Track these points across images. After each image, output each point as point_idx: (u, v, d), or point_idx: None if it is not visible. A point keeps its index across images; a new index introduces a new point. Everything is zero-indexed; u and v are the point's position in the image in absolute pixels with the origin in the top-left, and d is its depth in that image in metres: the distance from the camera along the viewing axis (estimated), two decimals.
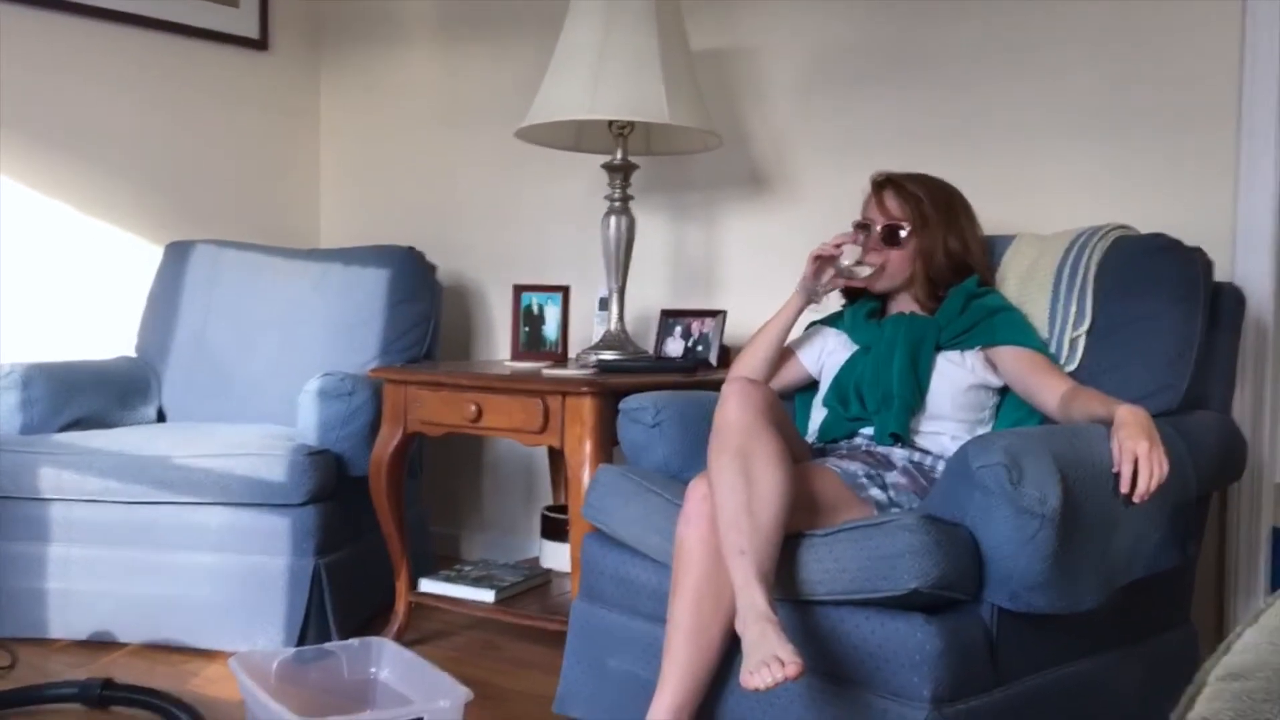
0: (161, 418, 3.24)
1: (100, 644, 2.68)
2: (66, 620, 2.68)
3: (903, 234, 2.20)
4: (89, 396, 3.04)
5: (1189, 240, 2.19)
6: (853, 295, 2.34)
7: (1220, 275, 2.24)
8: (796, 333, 2.34)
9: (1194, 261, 2.14)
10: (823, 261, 2.17)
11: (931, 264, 2.20)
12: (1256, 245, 2.43)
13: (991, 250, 2.35)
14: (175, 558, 2.66)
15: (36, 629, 2.68)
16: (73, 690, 2.27)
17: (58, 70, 3.30)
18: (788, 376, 2.37)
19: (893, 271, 2.22)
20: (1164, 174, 2.54)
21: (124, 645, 2.69)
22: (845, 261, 2.17)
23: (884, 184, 2.25)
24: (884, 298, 2.30)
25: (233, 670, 2.03)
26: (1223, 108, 2.47)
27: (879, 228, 2.22)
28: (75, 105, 3.34)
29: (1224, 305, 2.18)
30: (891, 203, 2.22)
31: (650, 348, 3.02)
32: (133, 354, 3.32)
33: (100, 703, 2.27)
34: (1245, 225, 2.44)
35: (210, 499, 2.64)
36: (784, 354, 2.39)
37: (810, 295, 2.24)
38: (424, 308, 3.25)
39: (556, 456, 3.22)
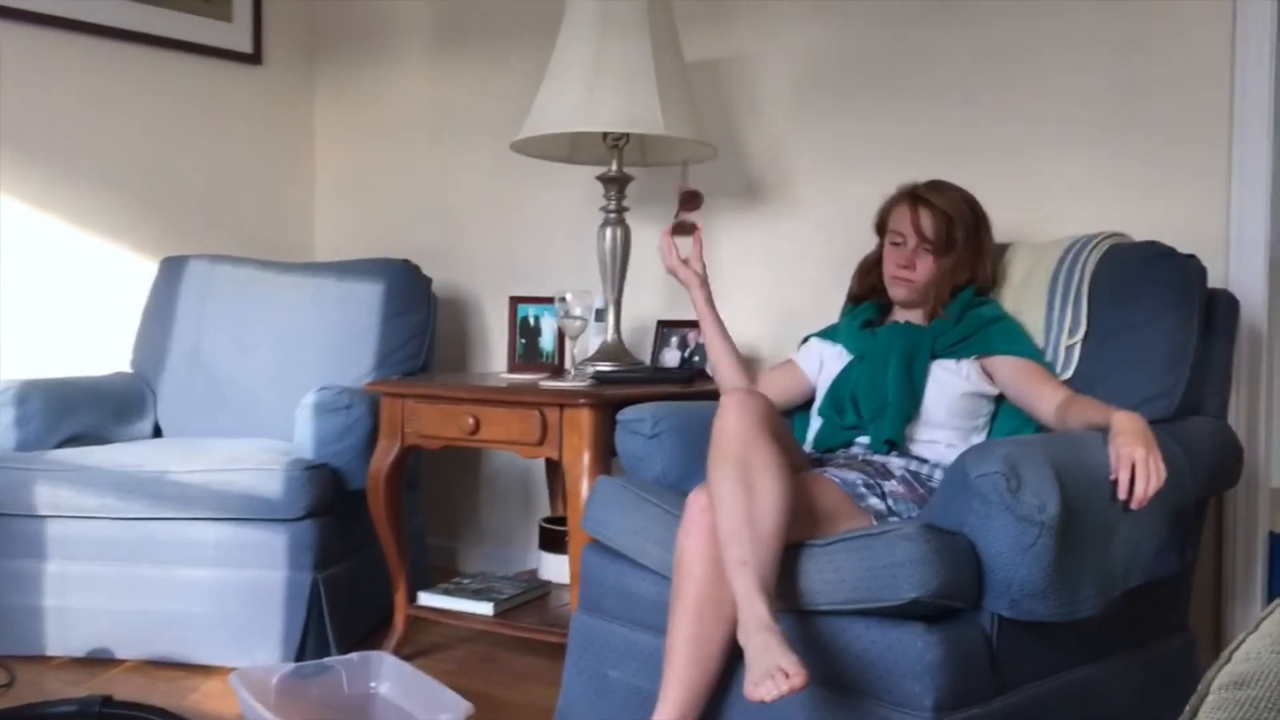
0: (158, 433, 3.23)
1: (98, 661, 2.67)
2: (64, 637, 2.67)
3: (933, 252, 2.21)
4: (85, 412, 3.03)
5: (1183, 247, 2.21)
6: (864, 297, 2.36)
7: (1214, 281, 2.25)
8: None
9: (1188, 268, 2.16)
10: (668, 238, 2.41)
11: (952, 283, 2.22)
12: (1250, 251, 2.45)
13: None
14: (173, 573, 2.65)
15: (34, 646, 2.67)
16: (72, 708, 2.26)
17: (51, 85, 3.30)
18: (794, 388, 2.38)
19: (920, 285, 2.22)
20: (1157, 181, 2.55)
21: (122, 662, 2.68)
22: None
23: (917, 200, 2.24)
24: (888, 307, 2.32)
25: (233, 686, 2.03)
26: (1215, 115, 2.49)
27: (911, 244, 2.23)
28: (69, 120, 3.34)
29: (1218, 311, 2.19)
30: (925, 220, 2.21)
31: (647, 358, 3.03)
32: (128, 369, 3.32)
33: None
34: (1238, 231, 2.45)
35: (207, 514, 2.64)
36: (787, 366, 2.40)
37: (686, 278, 2.39)
38: (420, 320, 3.25)
39: (554, 468, 3.22)
